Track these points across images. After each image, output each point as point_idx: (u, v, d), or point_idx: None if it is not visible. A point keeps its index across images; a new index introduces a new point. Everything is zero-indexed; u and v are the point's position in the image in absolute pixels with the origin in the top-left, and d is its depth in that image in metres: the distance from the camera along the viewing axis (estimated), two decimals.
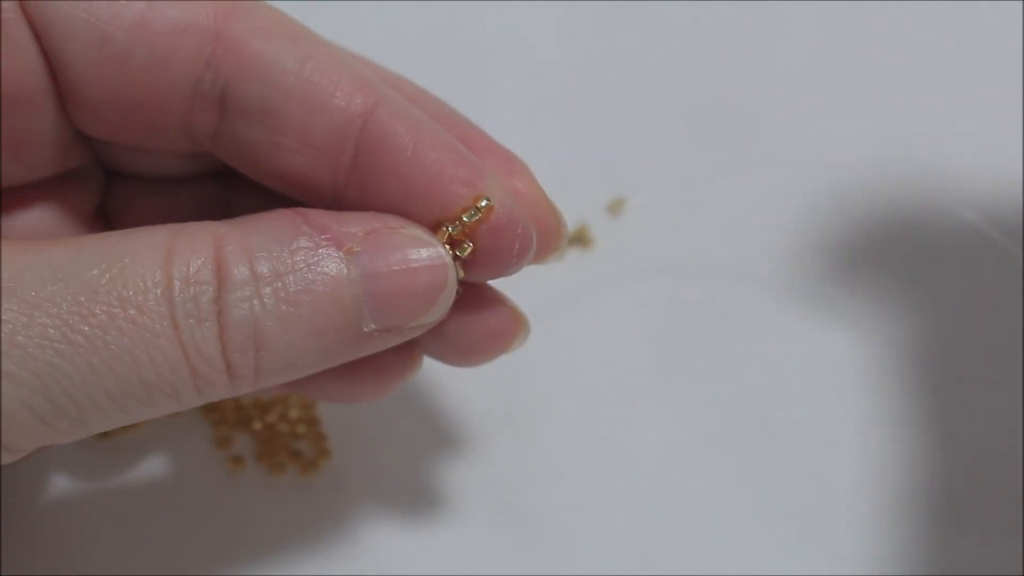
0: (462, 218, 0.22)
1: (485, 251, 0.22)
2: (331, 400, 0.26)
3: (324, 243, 0.21)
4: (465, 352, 0.24)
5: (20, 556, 0.28)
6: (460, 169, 0.22)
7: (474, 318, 0.24)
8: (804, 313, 0.32)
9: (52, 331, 0.19)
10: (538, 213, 0.24)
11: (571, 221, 0.33)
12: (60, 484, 0.29)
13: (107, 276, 0.19)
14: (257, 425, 0.30)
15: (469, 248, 0.22)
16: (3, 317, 0.19)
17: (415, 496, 0.30)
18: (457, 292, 0.22)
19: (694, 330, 0.32)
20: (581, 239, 0.33)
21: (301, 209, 0.21)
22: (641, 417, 0.31)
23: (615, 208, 0.34)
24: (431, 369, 0.31)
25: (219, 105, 0.22)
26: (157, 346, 0.19)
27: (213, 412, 0.30)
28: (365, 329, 0.21)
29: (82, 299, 0.19)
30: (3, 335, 0.18)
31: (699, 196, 0.34)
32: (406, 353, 0.25)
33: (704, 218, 0.33)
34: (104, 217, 0.26)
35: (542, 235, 0.24)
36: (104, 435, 0.30)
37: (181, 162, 0.25)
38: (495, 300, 0.24)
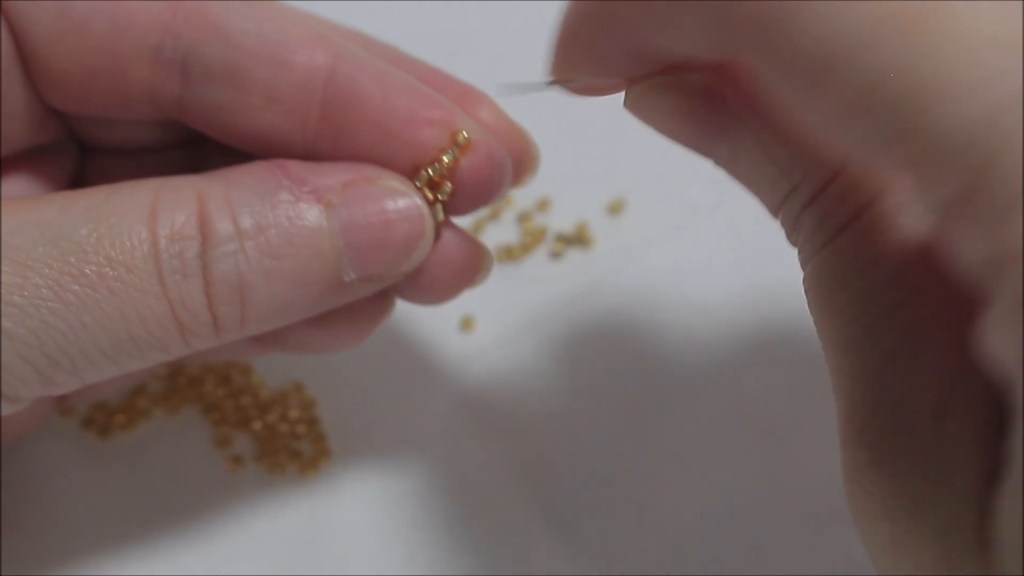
0: (442, 159, 0.22)
1: (466, 186, 0.23)
2: (308, 351, 0.27)
3: (304, 196, 0.21)
4: (434, 290, 0.24)
5: (20, 556, 0.28)
6: (432, 110, 0.22)
7: (441, 256, 0.24)
8: (804, 311, 0.32)
9: (45, 291, 0.19)
10: (508, 140, 0.24)
11: (571, 221, 0.33)
12: (60, 484, 0.29)
13: (95, 236, 0.20)
14: (257, 425, 0.30)
15: (449, 188, 0.22)
16: (1, 279, 0.19)
17: (415, 496, 0.30)
18: (437, 235, 0.23)
19: (694, 329, 0.32)
20: (581, 239, 0.33)
21: (280, 160, 0.22)
22: (642, 415, 0.31)
23: (615, 208, 0.34)
24: (432, 370, 0.31)
25: (182, 70, 0.22)
26: (145, 303, 0.20)
27: (213, 412, 0.30)
28: (345, 279, 0.22)
29: (72, 259, 0.20)
30: (1, 295, 0.19)
31: (699, 196, 0.34)
32: (379, 298, 0.25)
33: (704, 218, 0.33)
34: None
35: (516, 160, 0.24)
36: (104, 434, 0.30)
37: (151, 132, 0.25)
38: (460, 235, 0.24)
